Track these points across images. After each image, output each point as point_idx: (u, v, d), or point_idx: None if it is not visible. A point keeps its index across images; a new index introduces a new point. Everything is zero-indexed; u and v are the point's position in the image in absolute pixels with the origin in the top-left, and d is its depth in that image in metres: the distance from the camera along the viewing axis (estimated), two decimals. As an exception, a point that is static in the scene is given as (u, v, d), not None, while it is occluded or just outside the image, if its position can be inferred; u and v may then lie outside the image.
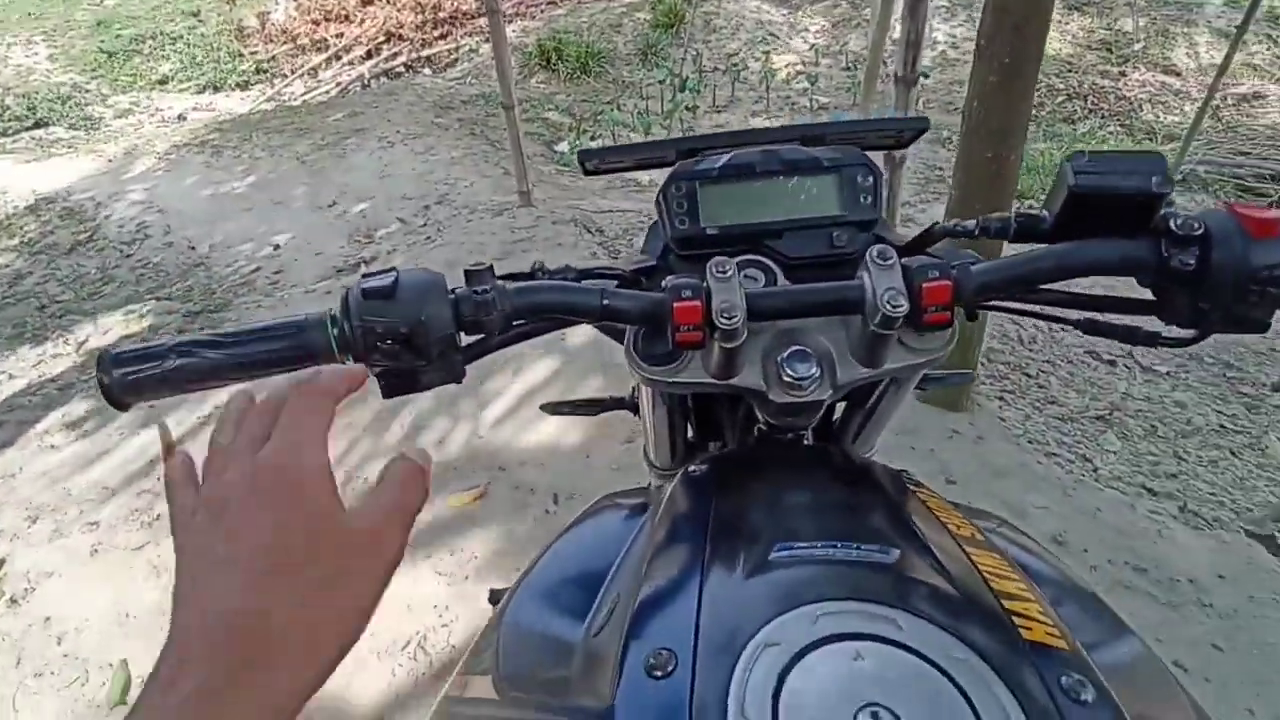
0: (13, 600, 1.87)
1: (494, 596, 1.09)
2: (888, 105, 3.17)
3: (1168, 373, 3.21)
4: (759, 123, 6.23)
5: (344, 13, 8.20)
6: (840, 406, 0.87)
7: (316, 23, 8.24)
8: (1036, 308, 0.60)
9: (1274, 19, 6.89)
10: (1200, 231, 0.47)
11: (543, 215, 3.67)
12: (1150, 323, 0.56)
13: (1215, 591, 1.73)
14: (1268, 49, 6.73)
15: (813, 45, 7.21)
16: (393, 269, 0.50)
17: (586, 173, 0.80)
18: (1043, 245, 0.54)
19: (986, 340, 2.94)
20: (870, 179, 0.65)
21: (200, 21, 8.84)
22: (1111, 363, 3.06)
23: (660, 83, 6.42)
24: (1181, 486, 2.21)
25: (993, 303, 0.60)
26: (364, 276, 0.50)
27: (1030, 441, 2.31)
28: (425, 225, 3.94)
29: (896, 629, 0.40)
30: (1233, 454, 2.57)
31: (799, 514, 0.54)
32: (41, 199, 4.79)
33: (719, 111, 6.44)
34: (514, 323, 0.54)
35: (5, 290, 3.71)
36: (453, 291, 0.51)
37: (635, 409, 1.03)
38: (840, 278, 0.54)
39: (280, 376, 0.45)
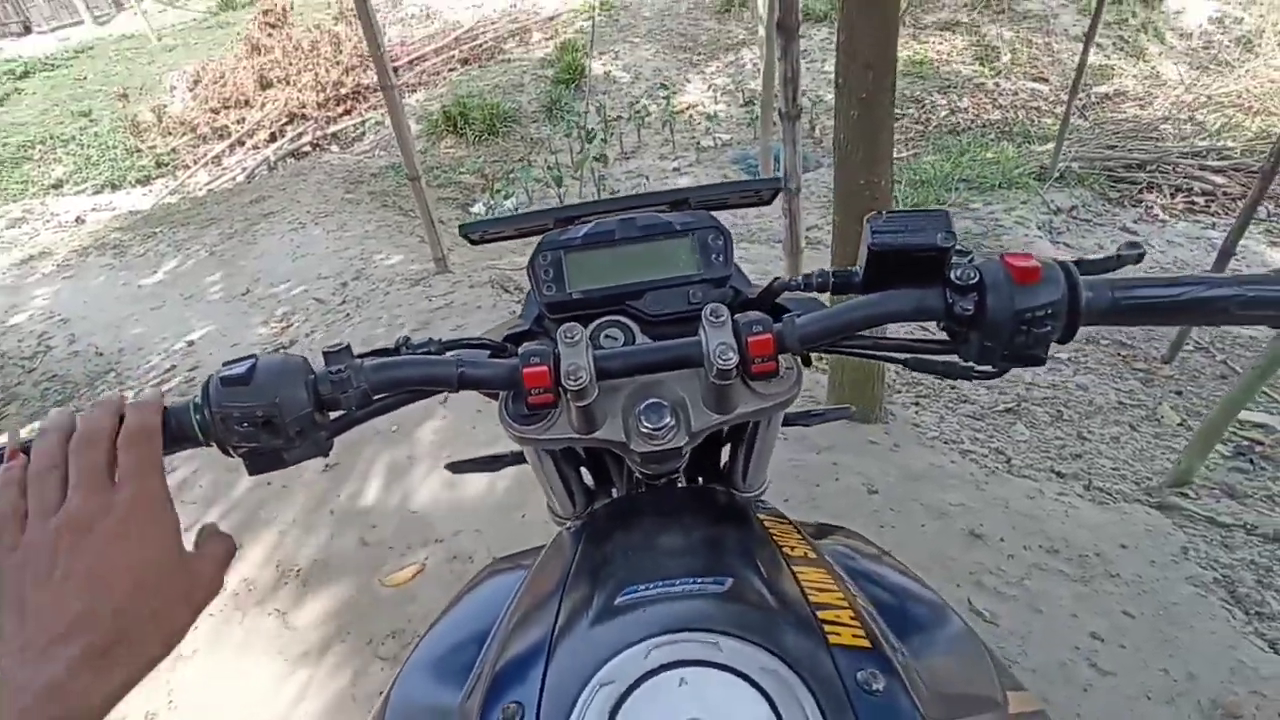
0: None
1: None
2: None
3: (1068, 359, 3.41)
4: (668, 165, 6.44)
5: (243, 98, 8.15)
6: (727, 449, 0.93)
7: (215, 110, 8.16)
8: (865, 350, 0.67)
9: (1121, 23, 7.53)
10: (975, 280, 0.54)
11: (459, 280, 3.70)
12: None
13: (1120, 562, 1.83)
14: (1119, 50, 7.34)
15: (710, 85, 7.52)
16: (252, 356, 0.53)
17: (472, 243, 0.85)
18: (860, 296, 0.60)
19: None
20: (721, 239, 0.71)
21: (92, 121, 8.66)
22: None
23: (567, 135, 6.58)
24: (1086, 465, 2.35)
25: (821, 348, 0.66)
26: (224, 365, 0.53)
27: (945, 442, 2.42)
28: (343, 303, 3.91)
29: (718, 652, 0.44)
30: (1131, 428, 2.74)
31: (648, 557, 0.58)
32: (-67, 322, 4.57)
33: (628, 158, 6.62)
34: (374, 397, 0.57)
35: (-103, 423, 3.51)
36: (312, 373, 0.55)
37: None
38: (696, 331, 0.59)
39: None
